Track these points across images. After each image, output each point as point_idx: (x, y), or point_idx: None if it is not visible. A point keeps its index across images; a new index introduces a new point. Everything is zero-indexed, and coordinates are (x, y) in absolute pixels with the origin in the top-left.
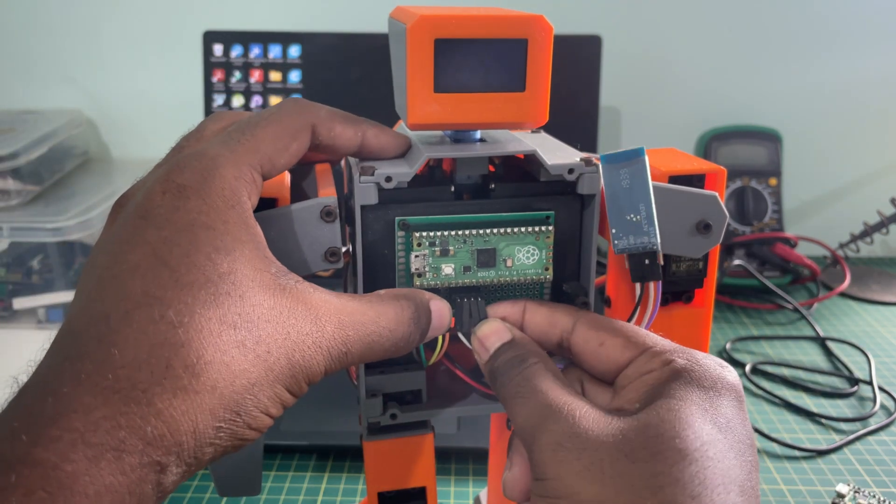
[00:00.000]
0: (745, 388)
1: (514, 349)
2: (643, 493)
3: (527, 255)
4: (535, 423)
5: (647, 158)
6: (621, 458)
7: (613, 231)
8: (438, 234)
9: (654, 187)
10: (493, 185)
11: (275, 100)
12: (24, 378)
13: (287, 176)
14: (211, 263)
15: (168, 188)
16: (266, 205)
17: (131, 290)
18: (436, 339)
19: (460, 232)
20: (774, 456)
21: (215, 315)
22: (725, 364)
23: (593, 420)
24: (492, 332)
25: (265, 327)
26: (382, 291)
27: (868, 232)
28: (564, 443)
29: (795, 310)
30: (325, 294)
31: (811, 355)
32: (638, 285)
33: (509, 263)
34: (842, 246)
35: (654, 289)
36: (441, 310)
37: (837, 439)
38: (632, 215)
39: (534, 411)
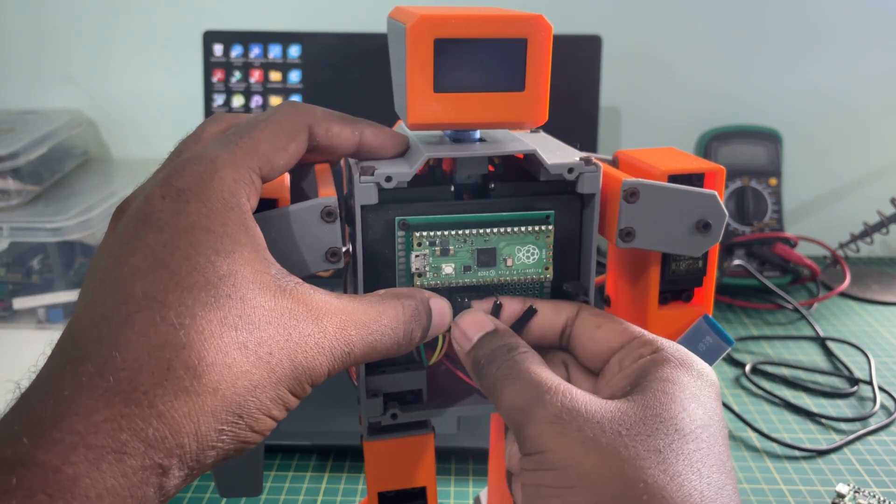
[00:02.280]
0: (745, 388)
1: (498, 339)
2: (646, 465)
3: (527, 255)
4: (529, 399)
5: (729, 350)
6: (621, 433)
7: None
8: (439, 233)
9: (655, 187)
10: (492, 185)
11: (275, 100)
12: (25, 383)
13: (287, 176)
14: (211, 265)
15: (167, 192)
16: (266, 205)
17: (132, 293)
18: (436, 339)
19: (460, 231)
20: (774, 456)
21: (216, 317)
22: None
23: (589, 399)
24: (474, 322)
25: (266, 329)
26: (382, 291)
27: (868, 232)
28: (563, 415)
29: (795, 310)
30: (326, 295)
31: (811, 355)
32: None
33: (509, 263)
34: (842, 246)
35: None
36: (442, 308)
37: (837, 439)
38: None
39: (526, 389)
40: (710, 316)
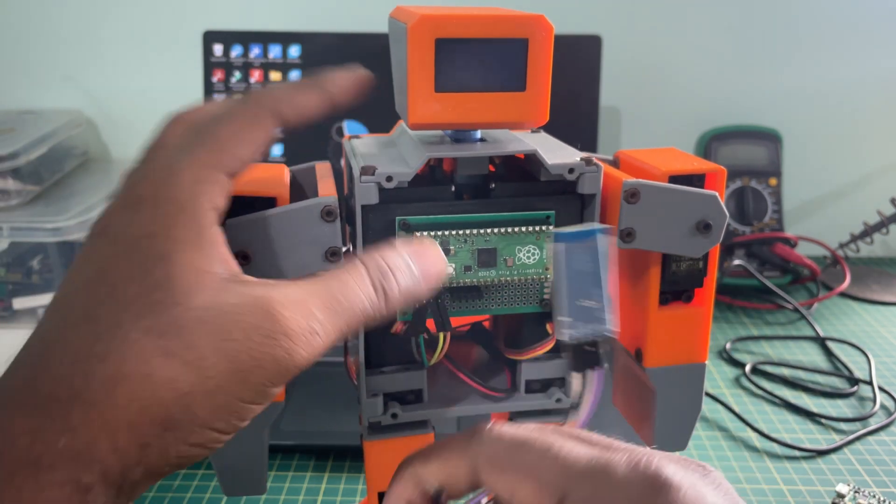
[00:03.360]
0: (745, 388)
1: None
2: None
3: (527, 255)
4: None
5: (605, 239)
6: None
7: (560, 319)
8: (439, 233)
9: (656, 187)
10: (493, 185)
11: None
12: None
13: (286, 175)
14: (146, 273)
15: (127, 202)
16: (266, 205)
17: (71, 309)
18: (437, 340)
19: (461, 231)
20: (774, 456)
21: (144, 325)
22: (706, 468)
23: None
24: None
25: (198, 331)
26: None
27: (868, 232)
28: None
29: (795, 310)
30: (278, 285)
31: (811, 355)
32: (582, 375)
33: (510, 263)
34: (842, 246)
35: (595, 377)
36: (426, 251)
37: (837, 439)
38: (585, 301)
39: None
40: (556, 230)
